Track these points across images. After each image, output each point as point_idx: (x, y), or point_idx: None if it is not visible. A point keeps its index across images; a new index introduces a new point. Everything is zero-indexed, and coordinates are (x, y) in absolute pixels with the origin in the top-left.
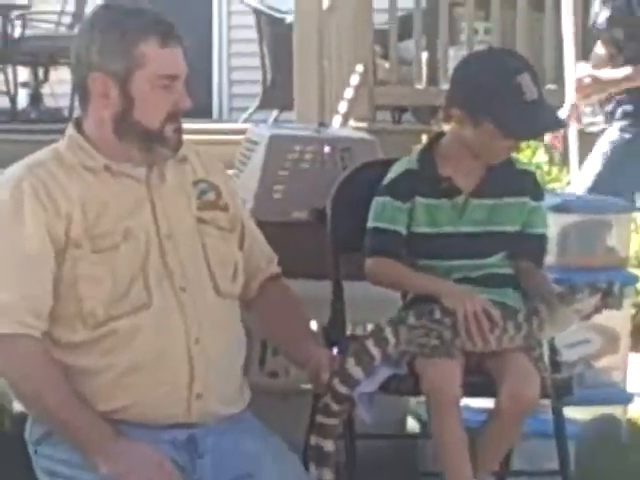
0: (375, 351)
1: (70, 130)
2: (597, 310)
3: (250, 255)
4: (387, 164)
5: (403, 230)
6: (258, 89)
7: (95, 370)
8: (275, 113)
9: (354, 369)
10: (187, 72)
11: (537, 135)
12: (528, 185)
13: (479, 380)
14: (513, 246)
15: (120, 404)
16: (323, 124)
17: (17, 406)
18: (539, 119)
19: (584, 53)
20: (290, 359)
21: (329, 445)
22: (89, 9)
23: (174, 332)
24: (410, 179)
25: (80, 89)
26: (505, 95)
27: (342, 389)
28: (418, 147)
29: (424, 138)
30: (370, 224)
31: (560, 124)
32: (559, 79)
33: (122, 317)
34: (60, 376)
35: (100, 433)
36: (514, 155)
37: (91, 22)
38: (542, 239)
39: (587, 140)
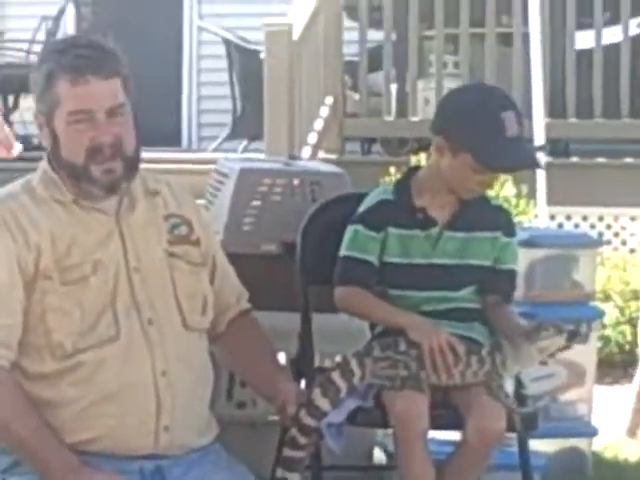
0: (341, 383)
1: (43, 163)
2: (562, 349)
3: (221, 291)
4: (357, 198)
5: (375, 260)
6: (227, 118)
7: (63, 402)
8: (244, 143)
9: (321, 401)
10: (116, 104)
11: (512, 170)
12: (502, 221)
13: (445, 413)
14: (483, 280)
15: (88, 436)
16: (293, 156)
17: None
18: (516, 155)
19: (552, 89)
20: (258, 393)
21: (295, 478)
22: (60, 36)
23: (141, 365)
24: (385, 209)
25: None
26: (487, 128)
27: (309, 421)
28: (393, 178)
29: (392, 170)
30: (342, 252)
31: (536, 163)
32: (527, 112)
33: (89, 349)
34: (28, 406)
35: (65, 464)
36: (488, 192)
37: (36, 62)
38: (512, 275)
39: (554, 174)
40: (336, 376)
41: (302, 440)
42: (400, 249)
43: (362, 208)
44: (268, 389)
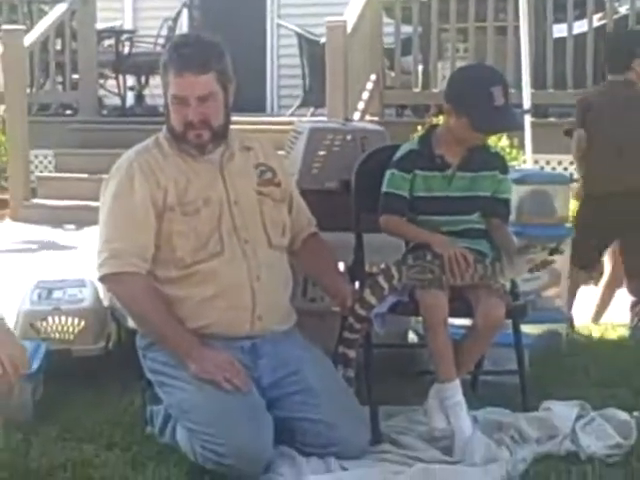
0: (384, 284)
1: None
2: (546, 262)
3: (296, 218)
4: (394, 148)
5: (407, 194)
6: (299, 92)
7: (185, 298)
8: (312, 109)
9: (370, 297)
10: (205, 93)
11: (497, 132)
12: (498, 163)
13: (460, 305)
14: (486, 207)
15: (203, 323)
16: (347, 119)
17: (130, 323)
18: (501, 120)
19: (535, 67)
20: (324, 290)
21: (352, 353)
22: (177, 33)
23: (240, 272)
24: (412, 157)
25: None
26: (479, 100)
27: (362, 312)
28: (417, 135)
29: (419, 128)
30: (383, 189)
31: (517, 126)
32: (517, 84)
33: (202, 261)
34: (160, 301)
35: (189, 342)
36: (488, 142)
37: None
38: (507, 202)
39: (537, 130)
40: (381, 279)
41: (357, 326)
42: (424, 186)
43: (396, 157)
44: (332, 289)
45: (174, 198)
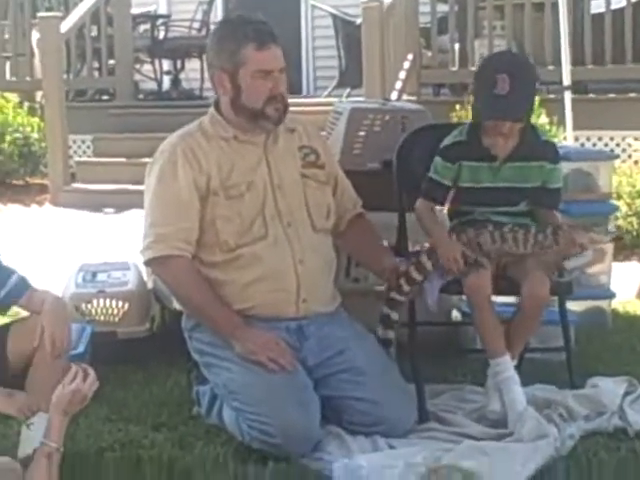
0: (427, 264)
1: (211, 109)
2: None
3: (341, 201)
4: (435, 127)
5: (449, 183)
6: (335, 73)
7: (230, 281)
8: (348, 90)
9: (427, 262)
10: (283, 65)
11: (491, 119)
12: (548, 152)
13: (505, 283)
14: (534, 198)
15: (248, 305)
16: (387, 99)
17: (175, 305)
18: (497, 109)
19: (573, 44)
20: (369, 269)
21: (395, 315)
22: (212, 17)
23: (284, 255)
24: (459, 148)
25: (211, 81)
26: (481, 87)
27: (416, 275)
28: (457, 113)
29: (457, 107)
30: (428, 175)
31: (513, 117)
32: (556, 61)
33: (247, 245)
34: (205, 284)
35: (234, 323)
36: (539, 128)
37: (214, 33)
38: (558, 191)
39: (577, 107)
40: (424, 259)
41: (406, 288)
42: (471, 177)
43: (444, 144)
44: (377, 265)
45: (217, 182)
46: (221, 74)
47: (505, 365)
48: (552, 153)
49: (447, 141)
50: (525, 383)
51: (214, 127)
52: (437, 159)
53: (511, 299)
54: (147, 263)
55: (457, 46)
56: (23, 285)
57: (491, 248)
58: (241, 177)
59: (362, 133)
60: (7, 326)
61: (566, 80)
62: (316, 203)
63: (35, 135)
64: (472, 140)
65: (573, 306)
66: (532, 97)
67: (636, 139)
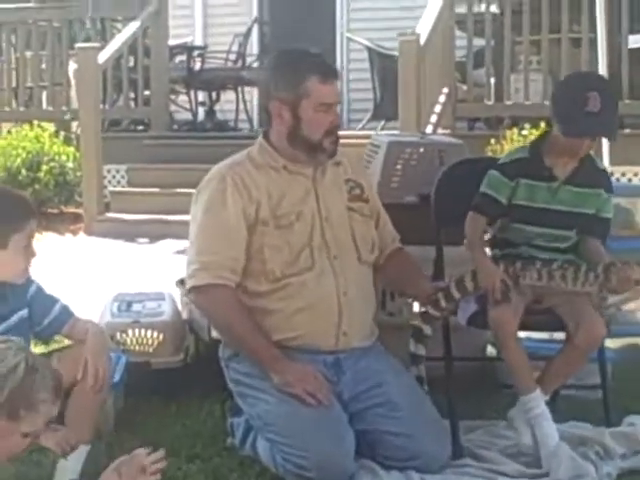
0: (469, 284)
1: (260, 138)
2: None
3: (382, 235)
4: (473, 162)
5: (503, 200)
6: (370, 105)
7: (273, 311)
8: (382, 123)
9: (469, 283)
10: (339, 100)
11: (582, 136)
12: (604, 181)
13: (549, 319)
14: (586, 225)
15: (289, 335)
16: (424, 133)
17: (214, 334)
18: (590, 126)
19: (610, 78)
20: (408, 294)
21: (428, 330)
22: (248, 49)
23: (329, 287)
24: (519, 164)
25: (264, 110)
26: (571, 104)
27: (455, 293)
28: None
29: (492, 141)
30: (480, 189)
31: (607, 134)
32: None
33: (293, 275)
34: (246, 313)
35: (273, 354)
36: (594, 157)
37: (273, 63)
38: (608, 222)
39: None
40: (467, 280)
41: (443, 303)
42: (527, 195)
43: (503, 160)
44: (416, 289)
45: (267, 212)
46: (280, 105)
47: (535, 401)
48: (608, 182)
49: (506, 158)
50: (560, 420)
51: (263, 156)
52: (494, 174)
53: (542, 335)
54: (190, 291)
55: (493, 80)
56: (66, 314)
57: (536, 284)
58: (291, 207)
59: (399, 166)
60: (49, 354)
61: None
62: (362, 236)
63: (70, 164)
64: (534, 158)
65: (610, 343)
66: (618, 115)
67: None
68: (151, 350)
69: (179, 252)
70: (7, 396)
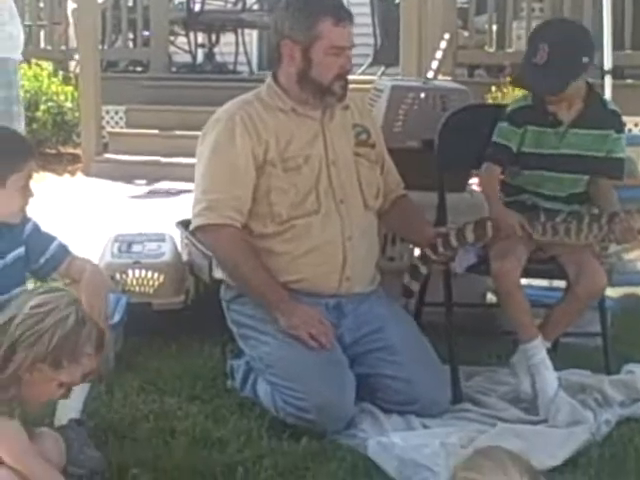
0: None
1: (269, 80)
2: None
3: (386, 181)
4: (477, 108)
5: (514, 147)
6: (370, 51)
7: (278, 253)
8: (382, 69)
9: (470, 234)
10: (353, 42)
11: (523, 87)
12: (615, 121)
13: (552, 267)
14: (598, 167)
15: (294, 277)
16: (428, 78)
17: (216, 274)
18: (532, 78)
19: (614, 25)
20: (411, 240)
21: (424, 269)
22: None
23: (334, 231)
24: (525, 112)
25: (274, 51)
26: (527, 54)
27: (454, 242)
28: (493, 95)
29: (493, 89)
30: (492, 139)
31: (544, 89)
32: (597, 44)
33: (299, 218)
34: (253, 254)
35: (279, 295)
36: (605, 97)
37: (287, 2)
38: (622, 161)
39: (614, 91)
40: (469, 231)
41: (441, 249)
42: (535, 141)
43: (508, 110)
44: (418, 235)
45: (275, 153)
46: (292, 45)
47: (536, 349)
48: (618, 122)
49: (512, 106)
50: (560, 367)
51: (272, 98)
52: (502, 124)
53: (542, 282)
54: (196, 230)
55: (495, 27)
56: (64, 252)
57: (540, 239)
58: (299, 150)
59: (402, 111)
60: None
61: (607, 64)
62: (368, 182)
63: (69, 104)
64: (537, 105)
65: (610, 292)
66: (573, 71)
67: None
68: (151, 291)
69: (177, 194)
70: (55, 344)
